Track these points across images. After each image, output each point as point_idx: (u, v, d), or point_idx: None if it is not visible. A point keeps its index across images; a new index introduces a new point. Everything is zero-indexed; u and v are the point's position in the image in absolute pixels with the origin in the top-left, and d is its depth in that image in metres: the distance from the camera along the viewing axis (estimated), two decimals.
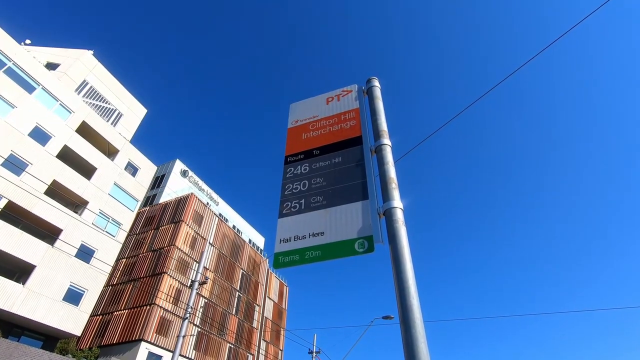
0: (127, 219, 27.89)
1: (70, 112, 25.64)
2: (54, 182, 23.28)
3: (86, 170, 26.00)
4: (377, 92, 3.72)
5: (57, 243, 22.27)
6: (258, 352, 39.80)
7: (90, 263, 23.76)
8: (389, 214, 2.70)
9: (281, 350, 45.20)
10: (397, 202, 2.75)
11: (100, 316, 29.95)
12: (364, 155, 3.23)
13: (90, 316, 26.51)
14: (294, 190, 3.30)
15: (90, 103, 29.28)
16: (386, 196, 2.82)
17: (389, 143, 3.22)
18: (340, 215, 2.93)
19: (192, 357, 30.51)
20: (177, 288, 30.88)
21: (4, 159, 20.53)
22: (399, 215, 2.67)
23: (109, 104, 31.25)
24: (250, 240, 51.17)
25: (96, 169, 26.45)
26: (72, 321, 22.04)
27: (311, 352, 26.10)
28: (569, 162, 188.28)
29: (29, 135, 22.52)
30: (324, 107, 3.93)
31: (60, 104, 25.04)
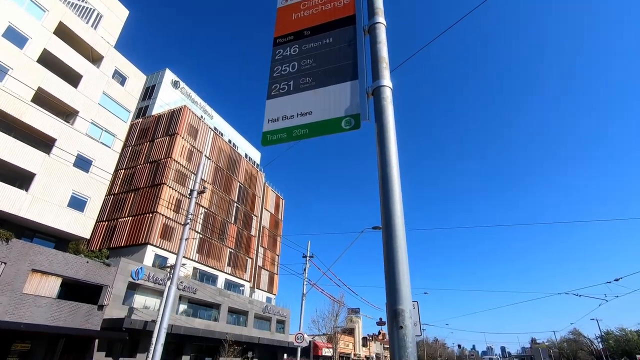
0: (121, 129, 27.58)
1: (44, 11, 23.43)
2: (40, 89, 22.38)
3: (71, 77, 24.79)
4: None
5: (54, 152, 22.37)
6: (256, 256, 43.35)
7: (89, 172, 24.23)
8: (377, 93, 2.67)
9: (278, 255, 49.24)
10: (386, 81, 2.70)
11: (107, 222, 31.71)
12: (356, 35, 3.06)
13: (97, 222, 28.02)
14: (282, 72, 3.21)
15: (65, 1, 26.55)
16: (376, 75, 2.76)
17: (384, 22, 3.02)
18: (329, 95, 2.89)
19: (196, 259, 33.27)
20: (177, 198, 32.15)
21: None
22: (387, 94, 2.65)
23: (86, 2, 28.40)
24: (246, 155, 51.71)
25: (82, 76, 25.21)
26: (80, 225, 23.35)
27: (305, 257, 28.42)
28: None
29: (2, 36, 20.90)
30: None
31: (31, 1, 22.74)
